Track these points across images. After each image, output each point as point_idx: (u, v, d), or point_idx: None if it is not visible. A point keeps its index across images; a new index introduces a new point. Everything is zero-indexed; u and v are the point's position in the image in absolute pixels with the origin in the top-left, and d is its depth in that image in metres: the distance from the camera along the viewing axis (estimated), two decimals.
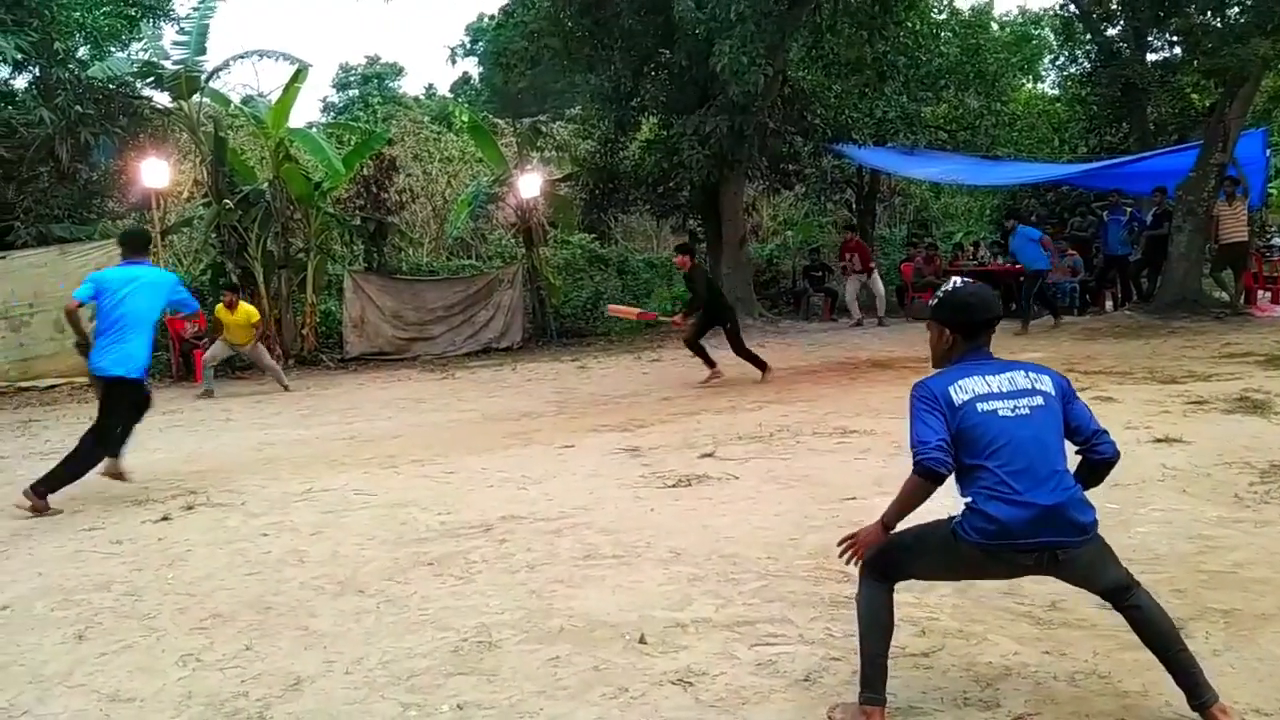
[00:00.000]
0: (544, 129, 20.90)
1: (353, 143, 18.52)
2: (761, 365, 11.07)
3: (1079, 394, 3.18)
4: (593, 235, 23.08)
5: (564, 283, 20.38)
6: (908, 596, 4.09)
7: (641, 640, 3.76)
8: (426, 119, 27.42)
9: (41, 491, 6.39)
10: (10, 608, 4.62)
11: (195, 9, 16.86)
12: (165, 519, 6.12)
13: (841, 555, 3.11)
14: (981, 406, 2.96)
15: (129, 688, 3.64)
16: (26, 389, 13.85)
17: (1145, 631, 2.98)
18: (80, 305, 6.79)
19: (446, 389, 12.62)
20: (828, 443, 7.40)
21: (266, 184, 16.28)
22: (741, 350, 11.24)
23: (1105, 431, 3.10)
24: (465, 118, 21.45)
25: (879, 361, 12.37)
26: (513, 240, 21.63)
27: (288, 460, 8.04)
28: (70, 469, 6.59)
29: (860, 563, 3.10)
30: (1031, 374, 3.07)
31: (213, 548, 5.44)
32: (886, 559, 3.08)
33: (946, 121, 21.99)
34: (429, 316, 17.14)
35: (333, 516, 6.00)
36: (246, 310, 13.09)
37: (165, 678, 3.71)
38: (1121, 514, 4.98)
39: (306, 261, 16.41)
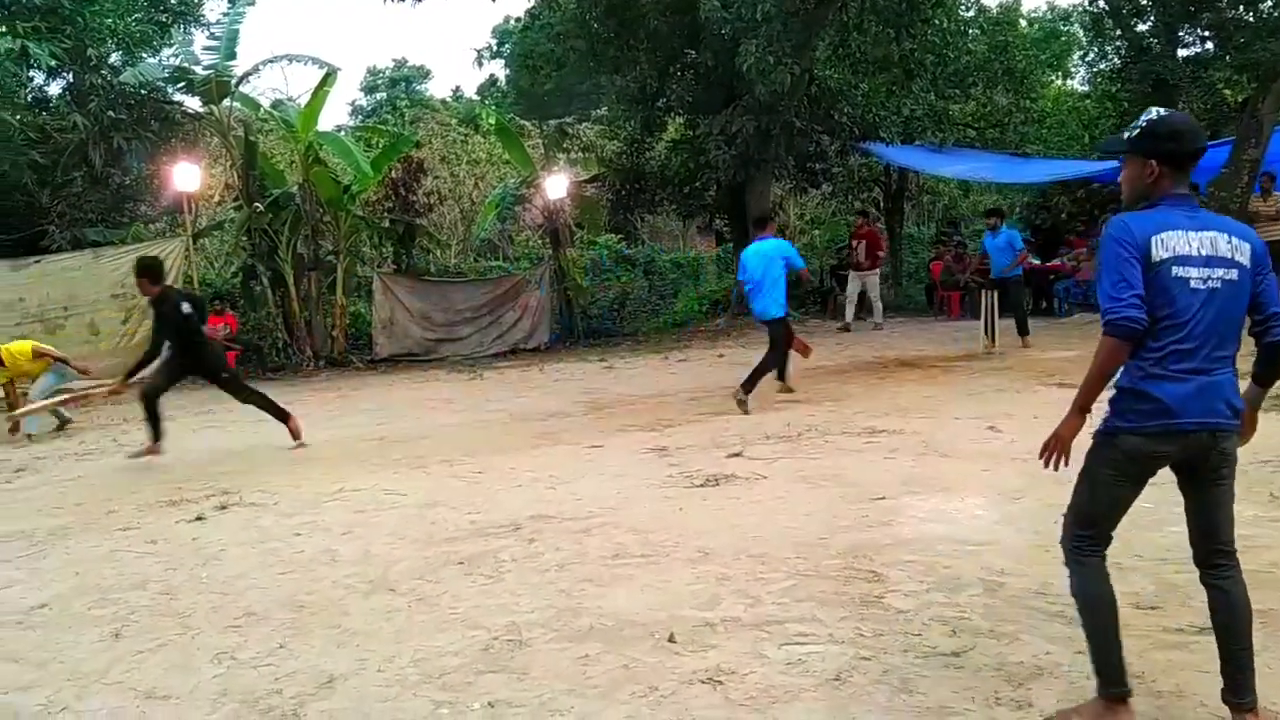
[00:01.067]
0: (570, 130, 20.95)
1: (381, 146, 18.65)
2: (283, 416, 8.91)
3: None
4: (619, 236, 23.13)
5: (590, 283, 20.44)
6: (938, 596, 4.09)
7: (671, 639, 3.77)
8: (454, 121, 27.54)
9: (748, 390, 9.14)
10: (49, 606, 4.69)
11: (225, 14, 17.07)
12: (199, 519, 6.19)
13: (1046, 461, 2.94)
14: (1177, 270, 2.75)
15: (165, 685, 3.69)
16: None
17: (1223, 616, 2.88)
18: (745, 284, 9.68)
19: (474, 389, 12.68)
20: (856, 442, 7.38)
21: (296, 187, 16.44)
22: (250, 399, 8.91)
23: None
24: (492, 120, 21.55)
25: (907, 361, 12.29)
26: (540, 241, 21.73)
27: (319, 460, 8.11)
28: (761, 372, 9.41)
29: (1060, 538, 3.02)
30: (1235, 239, 2.83)
31: (246, 547, 5.50)
32: (1079, 519, 2.97)
33: (975, 119, 21.85)
34: (457, 318, 17.25)
35: (364, 516, 6.05)
36: (21, 345, 11.05)
37: (200, 675, 3.75)
38: (1155, 512, 4.91)
39: (336, 264, 16.56)
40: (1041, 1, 49.89)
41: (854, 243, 17.55)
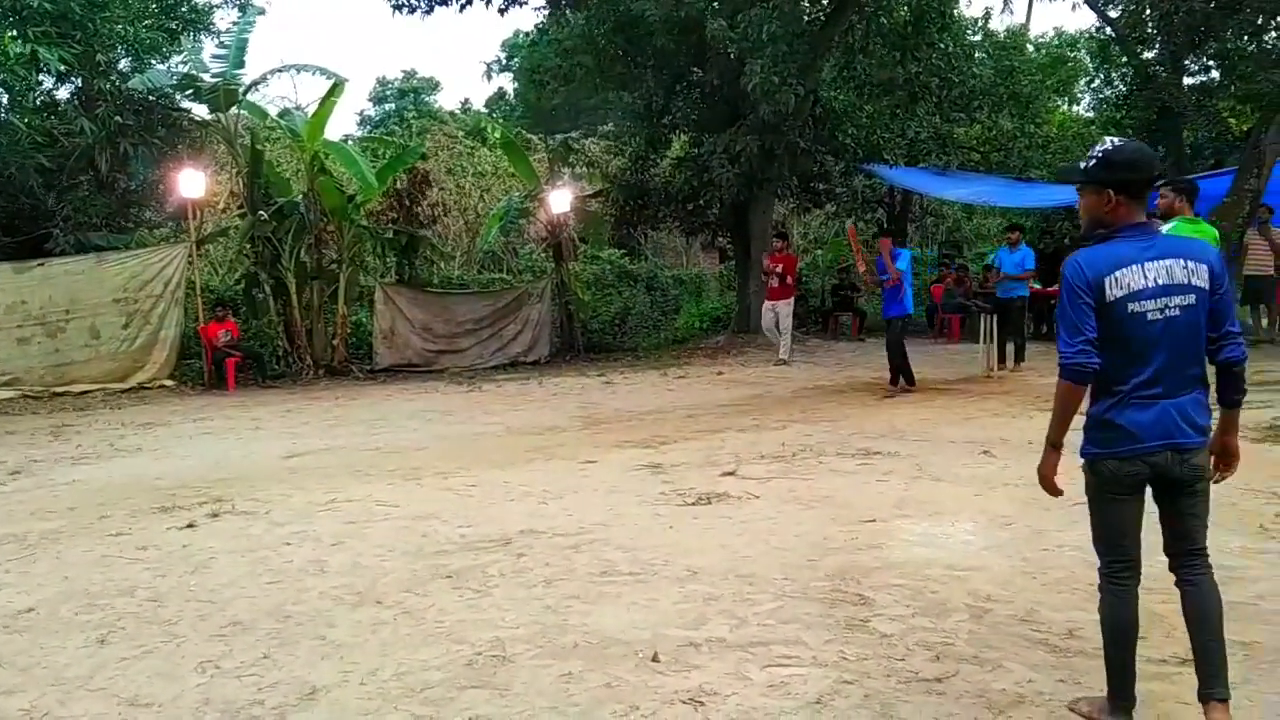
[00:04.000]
0: (576, 145, 21.02)
1: (387, 157, 18.70)
2: None
3: None
4: (622, 251, 23.17)
5: (592, 298, 20.47)
6: (924, 620, 4.09)
7: (654, 658, 3.77)
8: (461, 133, 27.61)
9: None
10: (36, 610, 4.69)
11: (235, 23, 17.15)
12: (191, 526, 6.20)
13: (1050, 493, 3.13)
14: (1131, 307, 2.89)
15: (148, 693, 3.69)
16: (60, 394, 14.05)
17: (1194, 607, 3.02)
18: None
19: (472, 402, 12.69)
20: (850, 464, 7.38)
21: (301, 196, 16.46)
22: None
23: (1238, 334, 3.02)
24: (498, 133, 21.60)
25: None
26: (543, 255, 21.77)
27: (313, 470, 8.11)
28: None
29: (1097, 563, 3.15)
30: (1190, 263, 2.93)
31: (235, 556, 5.50)
32: (1099, 544, 3.11)
33: (980, 143, 21.91)
34: (458, 329, 17.26)
35: (355, 527, 6.05)
36: None
37: (184, 684, 3.76)
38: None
39: (339, 273, 16.57)
40: (1049, 27, 49.99)
41: (771, 265, 15.08)
